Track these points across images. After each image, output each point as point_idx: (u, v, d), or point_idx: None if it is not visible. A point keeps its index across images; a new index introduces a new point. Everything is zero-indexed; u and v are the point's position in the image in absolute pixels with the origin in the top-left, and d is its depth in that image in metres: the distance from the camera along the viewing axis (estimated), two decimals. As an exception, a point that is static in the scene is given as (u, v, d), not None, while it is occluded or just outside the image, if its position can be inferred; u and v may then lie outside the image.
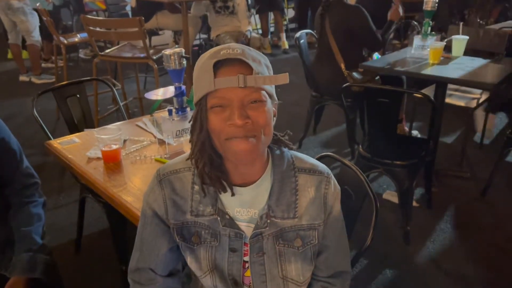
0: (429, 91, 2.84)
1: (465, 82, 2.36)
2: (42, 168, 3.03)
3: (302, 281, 1.02)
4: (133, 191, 1.41)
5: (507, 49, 3.09)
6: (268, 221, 0.98)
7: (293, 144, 1.04)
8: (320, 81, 3.11)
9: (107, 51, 3.48)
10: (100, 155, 1.60)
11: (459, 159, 3.04)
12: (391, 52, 3.49)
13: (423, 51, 2.71)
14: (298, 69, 3.57)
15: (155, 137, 1.79)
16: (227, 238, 0.99)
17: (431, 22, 2.72)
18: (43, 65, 5.12)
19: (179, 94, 1.66)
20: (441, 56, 2.59)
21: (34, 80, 4.96)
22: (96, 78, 2.50)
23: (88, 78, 2.35)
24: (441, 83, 2.53)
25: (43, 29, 4.75)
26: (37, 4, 4.30)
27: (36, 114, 1.97)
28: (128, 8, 5.67)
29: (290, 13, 7.19)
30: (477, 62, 2.60)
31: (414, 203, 2.55)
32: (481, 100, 2.99)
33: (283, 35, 6.33)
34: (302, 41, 3.13)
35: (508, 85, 2.57)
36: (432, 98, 2.29)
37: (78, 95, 2.18)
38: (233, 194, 0.96)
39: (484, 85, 2.32)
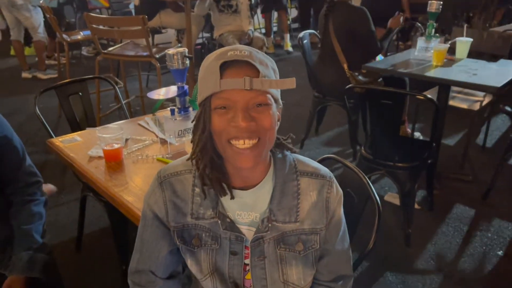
0: (432, 93, 2.83)
1: (468, 84, 2.35)
2: (43, 165, 3.03)
3: (303, 285, 1.02)
4: (134, 191, 1.41)
5: (511, 52, 3.08)
6: (270, 225, 0.97)
7: (295, 145, 1.03)
8: (323, 82, 3.10)
9: (110, 49, 3.49)
10: (101, 154, 1.60)
11: (461, 162, 3.03)
12: (395, 53, 3.48)
13: (426, 53, 2.71)
14: (301, 69, 3.57)
15: (157, 136, 1.79)
16: (227, 241, 0.98)
17: (435, 24, 2.72)
18: (46, 62, 5.13)
19: (181, 93, 1.66)
20: (444, 58, 2.59)
21: (40, 75, 4.98)
22: (99, 76, 2.50)
23: (91, 76, 2.35)
24: (444, 85, 2.53)
25: (46, 26, 4.76)
26: (41, 1, 4.30)
27: (38, 112, 1.96)
28: (131, 6, 5.66)
29: (292, 12, 7.16)
30: (481, 64, 2.60)
31: (416, 205, 2.55)
32: (484, 103, 2.98)
33: (287, 36, 6.28)
34: (305, 41, 3.13)
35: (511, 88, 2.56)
36: (435, 100, 2.28)
37: (80, 93, 2.18)
38: (232, 197, 0.95)
39: (488, 88, 2.31)
